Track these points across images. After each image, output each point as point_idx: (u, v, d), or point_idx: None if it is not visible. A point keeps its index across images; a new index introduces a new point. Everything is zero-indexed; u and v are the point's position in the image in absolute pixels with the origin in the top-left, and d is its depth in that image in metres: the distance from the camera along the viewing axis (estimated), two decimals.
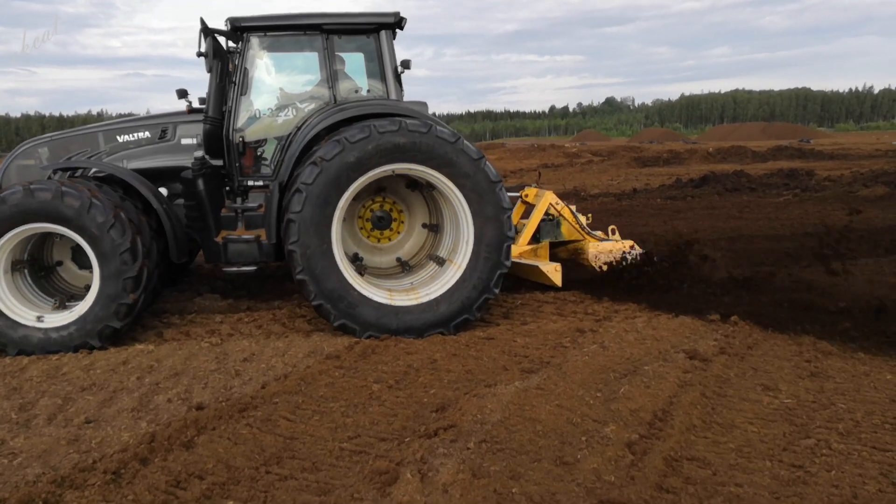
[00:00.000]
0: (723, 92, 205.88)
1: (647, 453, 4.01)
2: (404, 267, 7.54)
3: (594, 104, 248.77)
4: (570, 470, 3.81)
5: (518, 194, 9.06)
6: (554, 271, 8.03)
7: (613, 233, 9.21)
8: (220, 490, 3.74)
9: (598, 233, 9.19)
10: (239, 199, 7.25)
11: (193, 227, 7.00)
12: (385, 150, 6.34)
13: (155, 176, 7.22)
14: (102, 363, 5.86)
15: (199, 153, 7.04)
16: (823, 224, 11.13)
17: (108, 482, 3.75)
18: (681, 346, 5.97)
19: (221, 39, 7.07)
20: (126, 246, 6.19)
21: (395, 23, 7.06)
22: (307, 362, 5.84)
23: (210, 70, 6.89)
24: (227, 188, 7.37)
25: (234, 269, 6.89)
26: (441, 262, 7.07)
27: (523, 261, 8.29)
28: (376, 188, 7.36)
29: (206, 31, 6.73)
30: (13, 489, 3.70)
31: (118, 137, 7.47)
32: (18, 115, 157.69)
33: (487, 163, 6.55)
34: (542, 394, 4.74)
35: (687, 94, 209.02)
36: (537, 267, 8.09)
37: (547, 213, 8.69)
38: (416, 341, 6.34)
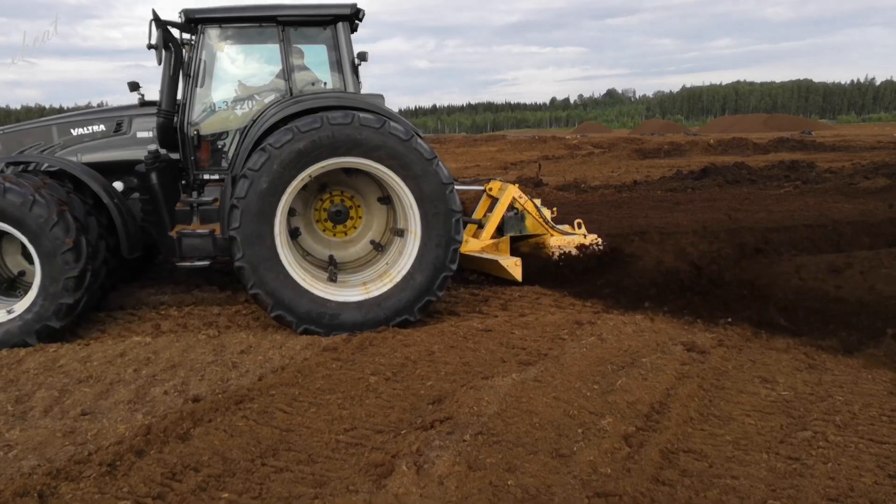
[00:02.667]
0: (724, 84, 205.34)
1: (644, 446, 4.00)
2: (377, 248, 7.44)
3: (595, 96, 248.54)
4: (566, 462, 3.80)
5: (482, 188, 9.00)
6: (514, 266, 7.97)
7: (579, 226, 9.16)
8: (215, 482, 3.73)
9: (564, 226, 9.15)
10: (195, 193, 7.17)
11: (148, 222, 6.95)
12: (291, 162, 6.24)
13: (110, 170, 7.16)
14: (99, 355, 5.86)
15: (153, 146, 6.98)
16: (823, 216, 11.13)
17: (104, 474, 3.75)
18: (679, 339, 5.96)
19: (175, 32, 6.98)
20: (69, 245, 6.12)
21: (353, 14, 6.98)
22: (304, 354, 5.84)
23: (160, 62, 6.81)
24: (184, 182, 7.29)
25: (188, 263, 6.80)
26: (402, 233, 6.99)
27: (484, 255, 8.26)
28: (319, 187, 7.25)
29: (158, 23, 6.64)
30: (8, 481, 3.70)
31: (72, 131, 7.40)
32: (19, 107, 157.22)
33: (392, 124, 6.40)
34: (539, 386, 4.73)
35: (688, 85, 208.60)
36: (497, 261, 8.05)
37: (511, 207, 8.64)
38: (414, 332, 6.33)
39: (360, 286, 6.74)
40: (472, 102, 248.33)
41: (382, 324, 6.49)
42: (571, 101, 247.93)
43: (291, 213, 6.99)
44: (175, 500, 3.56)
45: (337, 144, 6.29)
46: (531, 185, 19.48)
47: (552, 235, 8.78)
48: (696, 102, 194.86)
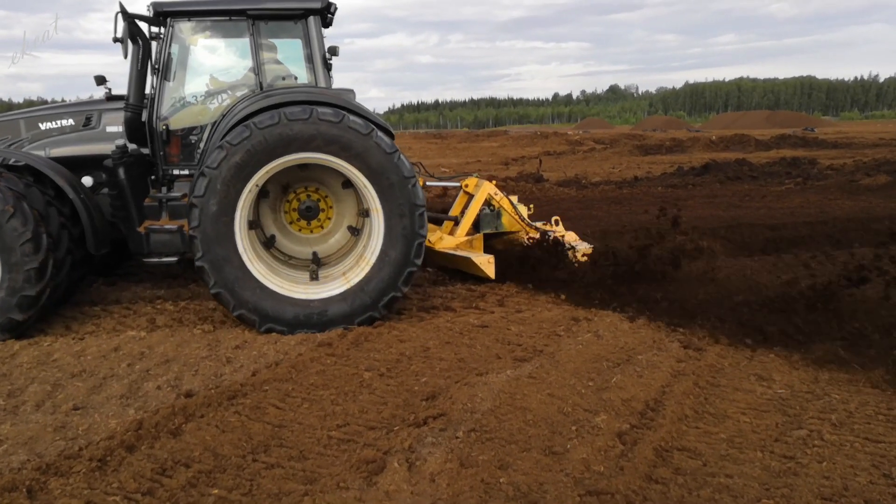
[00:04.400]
0: (727, 80, 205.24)
1: (638, 443, 3.97)
2: (354, 233, 7.31)
3: (598, 92, 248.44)
4: (558, 460, 3.78)
5: (458, 184, 8.91)
6: (487, 263, 7.89)
7: (557, 223, 9.09)
8: (205, 478, 3.71)
9: (541, 223, 9.09)
10: (164, 189, 7.09)
11: (117, 217, 6.88)
12: (232, 178, 6.11)
13: (79, 164, 7.10)
14: (94, 349, 5.83)
15: (121, 141, 6.91)
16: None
17: (94, 469, 3.72)
18: (675, 335, 5.93)
19: (143, 25, 6.90)
20: (27, 236, 5.99)
21: (324, 8, 6.91)
22: (299, 350, 5.81)
23: (127, 56, 6.73)
24: (153, 177, 7.21)
25: (155, 259, 6.73)
26: (368, 213, 6.84)
27: (458, 252, 8.19)
28: (281, 189, 7.14)
29: (125, 16, 6.55)
30: None
31: (40, 125, 7.32)
32: (21, 100, 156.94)
33: (320, 110, 6.22)
34: (533, 383, 4.71)
35: (691, 81, 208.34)
36: (470, 259, 7.98)
37: (487, 204, 8.58)
38: (410, 328, 6.30)
39: (341, 277, 6.65)
40: (475, 98, 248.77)
41: (371, 308, 6.43)
42: (574, 97, 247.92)
43: (257, 225, 6.90)
44: (164, 495, 3.54)
45: (272, 147, 6.15)
46: (532, 181, 19.47)
47: (527, 232, 8.71)
48: (698, 98, 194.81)
